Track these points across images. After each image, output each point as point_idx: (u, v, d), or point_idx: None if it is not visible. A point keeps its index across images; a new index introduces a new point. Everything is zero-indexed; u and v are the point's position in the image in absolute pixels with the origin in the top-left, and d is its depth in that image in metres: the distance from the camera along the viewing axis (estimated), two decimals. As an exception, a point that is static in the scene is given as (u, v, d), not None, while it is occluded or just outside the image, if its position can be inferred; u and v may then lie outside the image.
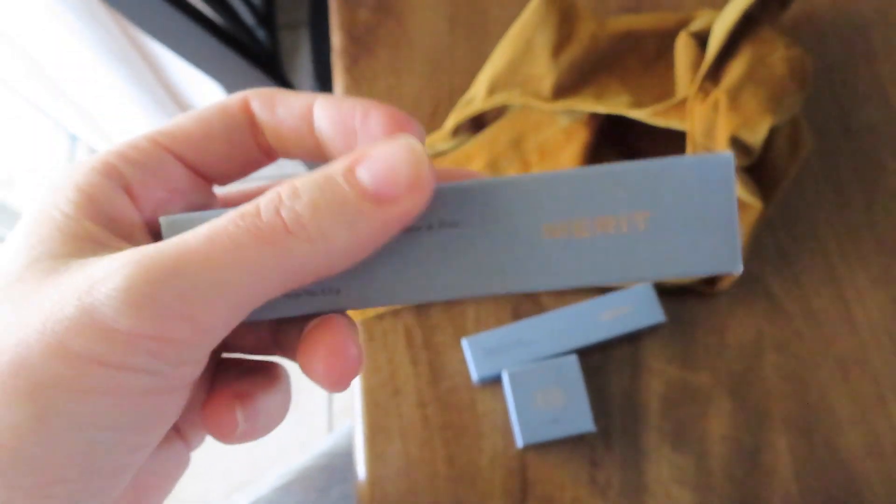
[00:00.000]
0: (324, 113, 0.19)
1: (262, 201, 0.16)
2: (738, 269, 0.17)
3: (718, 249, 0.17)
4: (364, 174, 0.16)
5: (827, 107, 0.48)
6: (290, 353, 0.21)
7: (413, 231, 0.18)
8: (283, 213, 0.16)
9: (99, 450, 0.16)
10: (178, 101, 1.10)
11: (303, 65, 1.22)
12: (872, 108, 0.48)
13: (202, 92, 1.06)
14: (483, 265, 0.18)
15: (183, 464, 0.21)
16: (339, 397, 1.10)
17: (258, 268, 0.15)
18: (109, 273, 0.15)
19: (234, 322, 0.16)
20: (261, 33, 0.76)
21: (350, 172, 0.16)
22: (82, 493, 0.16)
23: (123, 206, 0.18)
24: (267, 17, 0.77)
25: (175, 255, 0.15)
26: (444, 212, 0.18)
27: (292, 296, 0.18)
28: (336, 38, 0.52)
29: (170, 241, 0.16)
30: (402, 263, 0.18)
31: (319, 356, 0.18)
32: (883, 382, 0.42)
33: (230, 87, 0.71)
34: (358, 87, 0.51)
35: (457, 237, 0.18)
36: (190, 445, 0.22)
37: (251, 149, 0.20)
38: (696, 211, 0.17)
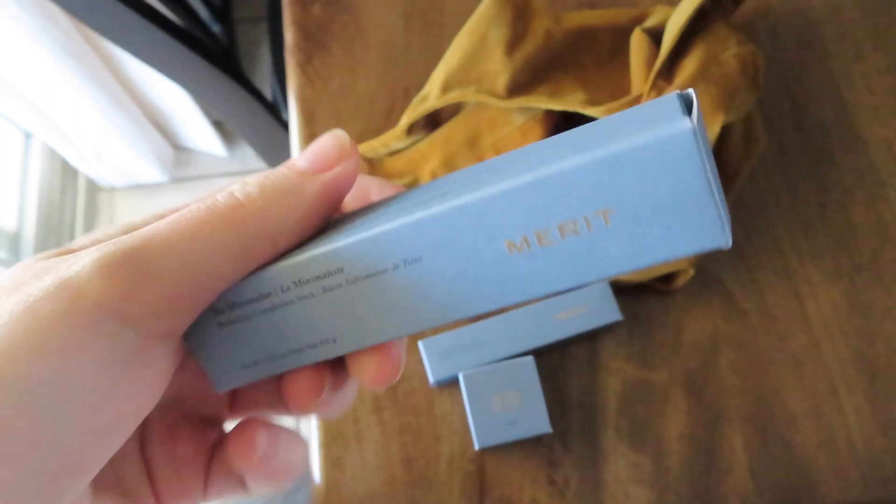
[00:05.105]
0: None
1: (217, 193, 0.19)
2: (727, 242, 0.16)
3: (699, 226, 0.15)
4: (300, 160, 0.20)
5: (780, 103, 0.48)
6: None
7: (380, 274, 0.18)
8: (236, 193, 0.18)
9: (49, 422, 0.15)
10: (135, 98, 1.08)
11: (263, 59, 1.20)
12: (825, 104, 0.48)
13: (161, 88, 1.04)
14: (456, 291, 0.18)
15: None
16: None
17: (217, 236, 0.17)
18: (88, 252, 0.17)
19: (199, 296, 0.18)
20: (216, 28, 0.74)
21: (288, 164, 0.20)
22: (29, 478, 0.15)
23: None
24: (223, 12, 0.75)
25: (145, 234, 0.17)
26: (404, 250, 0.18)
27: (295, 350, 0.20)
28: (289, 35, 0.51)
29: (141, 229, 0.18)
30: (382, 305, 0.18)
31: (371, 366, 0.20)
32: (835, 377, 0.42)
33: (185, 84, 0.69)
34: (312, 86, 0.49)
35: (423, 271, 0.18)
36: None
37: None
38: (662, 193, 0.15)
